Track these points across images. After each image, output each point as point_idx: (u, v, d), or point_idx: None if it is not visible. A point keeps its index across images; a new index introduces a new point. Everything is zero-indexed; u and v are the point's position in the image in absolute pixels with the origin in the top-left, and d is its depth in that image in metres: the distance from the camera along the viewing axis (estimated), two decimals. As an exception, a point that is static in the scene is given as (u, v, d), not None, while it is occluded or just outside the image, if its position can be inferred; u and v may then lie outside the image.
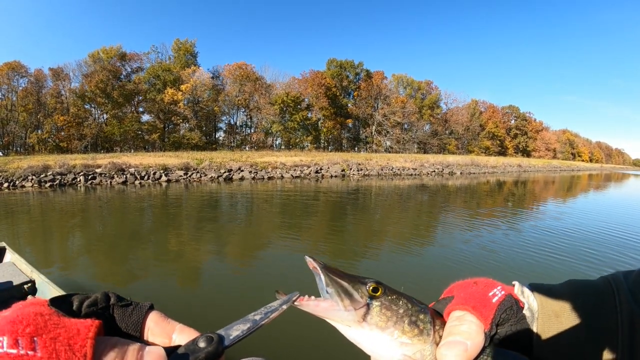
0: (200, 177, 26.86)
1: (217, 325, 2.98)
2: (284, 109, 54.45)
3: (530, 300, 0.57)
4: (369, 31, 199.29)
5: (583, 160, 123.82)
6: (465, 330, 0.49)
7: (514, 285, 0.60)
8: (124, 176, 23.82)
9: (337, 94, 63.18)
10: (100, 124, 43.43)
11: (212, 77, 53.88)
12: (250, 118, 58.44)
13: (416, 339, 0.47)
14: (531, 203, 19.57)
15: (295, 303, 0.49)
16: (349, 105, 66.91)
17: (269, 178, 29.77)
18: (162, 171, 25.66)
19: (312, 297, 0.49)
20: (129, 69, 48.41)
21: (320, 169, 34.68)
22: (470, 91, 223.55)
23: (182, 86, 47.53)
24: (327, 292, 0.49)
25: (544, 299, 0.58)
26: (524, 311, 0.57)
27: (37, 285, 4.26)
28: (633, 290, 0.54)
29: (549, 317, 0.55)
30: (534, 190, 29.36)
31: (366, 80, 67.82)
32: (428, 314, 0.50)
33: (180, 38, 54.83)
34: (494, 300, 0.54)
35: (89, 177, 22.83)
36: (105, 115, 44.96)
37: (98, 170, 23.58)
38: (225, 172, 28.50)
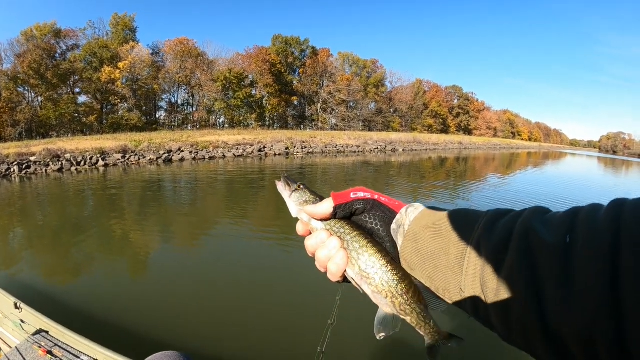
0: (139, 159, 26.84)
1: (168, 316, 5.28)
2: (227, 86, 55.28)
3: (410, 218, 0.69)
4: (316, 8, 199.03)
5: (522, 139, 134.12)
6: (320, 202, 0.75)
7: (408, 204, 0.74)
8: (60, 163, 23.21)
9: (282, 71, 64.65)
10: (34, 108, 41.89)
11: (152, 54, 53.38)
12: (192, 96, 58.71)
13: (305, 205, 0.77)
14: (474, 176, 22.40)
15: (277, 182, 0.86)
16: (295, 82, 68.91)
17: (210, 158, 30.19)
18: (99, 155, 25.38)
19: (281, 183, 0.85)
20: (64, 47, 46.66)
21: (264, 147, 35.65)
22: (415, 71, 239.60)
23: (119, 64, 46.94)
24: (281, 185, 0.84)
25: (425, 214, 0.68)
26: (392, 225, 0.71)
27: None
28: (495, 222, 0.57)
29: (418, 227, 0.65)
30: (475, 166, 32.45)
31: (312, 57, 69.60)
32: (316, 197, 0.79)
33: (119, 12, 53.54)
34: (352, 195, 0.74)
35: (24, 166, 22.02)
36: (39, 98, 43.41)
37: (32, 159, 22.91)
38: (164, 153, 28.51)
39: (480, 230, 0.57)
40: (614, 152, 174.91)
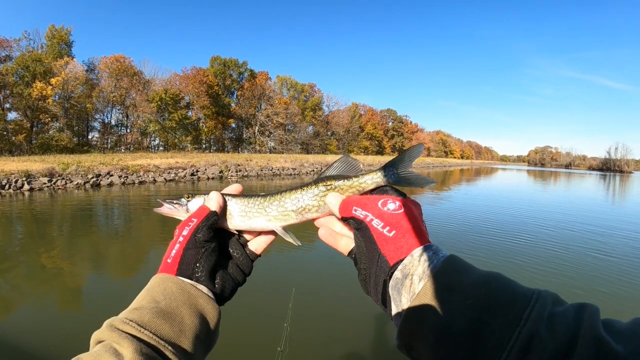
0: (66, 183, 26.17)
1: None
2: (162, 107, 56.34)
3: (426, 267, 0.53)
4: (255, 31, 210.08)
5: (455, 158, 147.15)
6: (335, 203, 0.75)
7: (426, 243, 0.59)
8: (-18, 187, 22.46)
9: (220, 93, 67.57)
10: (-39, 127, 39.77)
11: (87, 71, 53.88)
12: (127, 116, 58.90)
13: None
14: (410, 193, 27.47)
15: (156, 210, 0.92)
16: (232, 105, 72.39)
17: (140, 182, 30.01)
18: (24, 179, 24.35)
19: (164, 206, 0.90)
20: (-3, 58, 45.13)
21: (197, 171, 35.89)
22: (352, 95, 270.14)
23: (52, 80, 46.25)
24: (167, 206, 0.89)
25: (452, 268, 0.52)
26: (395, 271, 0.56)
27: None
28: (552, 316, 0.45)
29: (440, 287, 0.50)
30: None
31: (250, 80, 73.63)
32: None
33: (56, 24, 53.31)
34: (353, 211, 0.68)
35: (-56, 190, 21.31)
36: (-32, 116, 41.05)
37: (-45, 182, 22.18)
38: (93, 177, 28.06)
39: (534, 320, 0.44)
40: (542, 165, 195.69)
